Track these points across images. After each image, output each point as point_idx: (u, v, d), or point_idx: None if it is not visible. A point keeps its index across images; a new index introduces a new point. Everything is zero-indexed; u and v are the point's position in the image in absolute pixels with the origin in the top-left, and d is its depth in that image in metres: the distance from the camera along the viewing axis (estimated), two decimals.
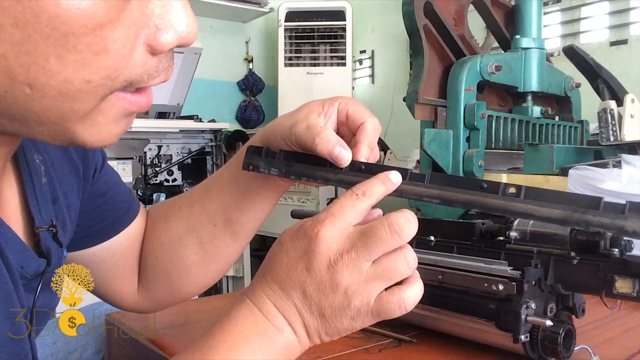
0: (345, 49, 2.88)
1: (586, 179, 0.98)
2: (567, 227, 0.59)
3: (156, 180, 2.37)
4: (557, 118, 1.44)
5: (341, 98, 0.57)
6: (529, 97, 1.34)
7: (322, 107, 0.57)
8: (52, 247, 0.53)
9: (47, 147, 0.57)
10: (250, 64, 3.28)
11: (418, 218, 0.49)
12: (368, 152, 0.53)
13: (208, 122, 2.52)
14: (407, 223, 0.46)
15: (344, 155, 0.51)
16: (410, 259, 0.46)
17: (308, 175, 0.55)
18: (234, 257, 0.70)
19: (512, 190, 0.47)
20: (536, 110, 1.34)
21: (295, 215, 1.00)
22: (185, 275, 0.69)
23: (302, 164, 0.55)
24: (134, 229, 0.70)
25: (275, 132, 0.58)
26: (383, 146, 2.20)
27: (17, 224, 0.51)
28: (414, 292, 0.47)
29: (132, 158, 2.26)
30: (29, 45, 0.34)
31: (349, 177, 0.52)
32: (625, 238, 0.58)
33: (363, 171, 0.52)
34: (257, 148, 0.59)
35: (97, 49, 0.36)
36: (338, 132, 0.56)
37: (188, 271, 0.69)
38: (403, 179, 0.51)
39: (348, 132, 0.57)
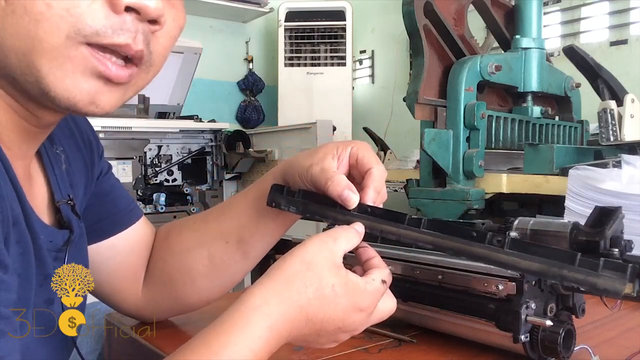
0: (345, 49, 2.88)
1: (586, 179, 0.98)
2: (567, 227, 0.59)
3: (156, 180, 2.36)
4: (557, 118, 1.44)
5: (354, 143, 0.62)
6: (529, 97, 1.34)
7: (337, 150, 0.61)
8: (72, 218, 0.60)
9: (64, 143, 0.63)
10: (250, 64, 3.28)
11: (419, 218, 0.54)
12: (374, 196, 0.58)
13: (208, 122, 2.52)
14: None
15: (351, 198, 0.56)
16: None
17: (321, 214, 0.59)
18: (240, 276, 0.73)
19: (497, 240, 0.50)
20: (536, 110, 1.34)
21: None
22: (190, 284, 0.72)
23: (317, 203, 0.60)
24: (138, 233, 0.74)
25: (293, 168, 0.63)
26: (383, 146, 2.20)
27: (43, 203, 0.58)
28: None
29: (132, 158, 2.25)
30: None
31: (355, 219, 0.57)
32: (625, 238, 0.58)
33: (369, 214, 0.56)
34: (280, 186, 0.64)
35: None
36: (349, 175, 0.61)
37: (193, 281, 0.72)
38: (401, 224, 0.55)
39: (358, 175, 0.61)
